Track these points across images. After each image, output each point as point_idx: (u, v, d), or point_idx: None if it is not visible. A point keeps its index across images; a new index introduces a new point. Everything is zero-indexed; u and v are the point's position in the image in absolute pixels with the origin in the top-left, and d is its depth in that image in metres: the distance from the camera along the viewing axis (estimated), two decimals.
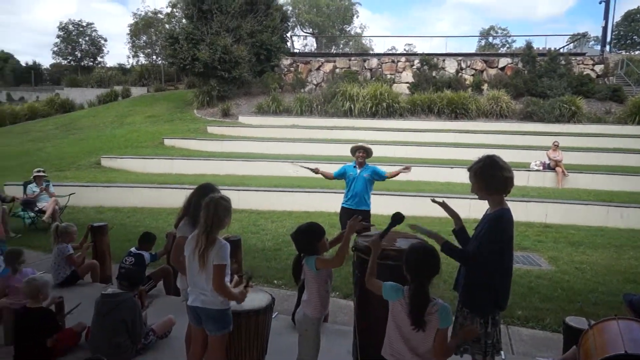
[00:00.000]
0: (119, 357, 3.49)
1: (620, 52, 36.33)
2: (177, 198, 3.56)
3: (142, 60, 38.94)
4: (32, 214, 8.28)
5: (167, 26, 31.54)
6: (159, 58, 35.38)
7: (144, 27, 37.01)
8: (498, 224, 2.66)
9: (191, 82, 25.54)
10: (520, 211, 9.01)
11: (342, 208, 6.39)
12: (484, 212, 2.88)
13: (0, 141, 18.53)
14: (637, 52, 37.69)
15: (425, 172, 12.40)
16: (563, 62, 21.04)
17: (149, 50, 38.41)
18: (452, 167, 12.24)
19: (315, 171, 6.42)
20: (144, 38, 38.11)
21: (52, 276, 5.10)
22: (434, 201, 3.13)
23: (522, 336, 4.59)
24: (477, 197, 2.85)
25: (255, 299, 3.25)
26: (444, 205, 3.03)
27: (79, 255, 5.46)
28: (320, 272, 2.95)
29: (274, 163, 13.26)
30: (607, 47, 25.52)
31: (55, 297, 3.88)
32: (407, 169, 6.31)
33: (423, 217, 8.76)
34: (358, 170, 6.27)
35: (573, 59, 21.81)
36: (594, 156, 13.99)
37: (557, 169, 12.23)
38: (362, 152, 6.23)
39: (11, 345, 3.65)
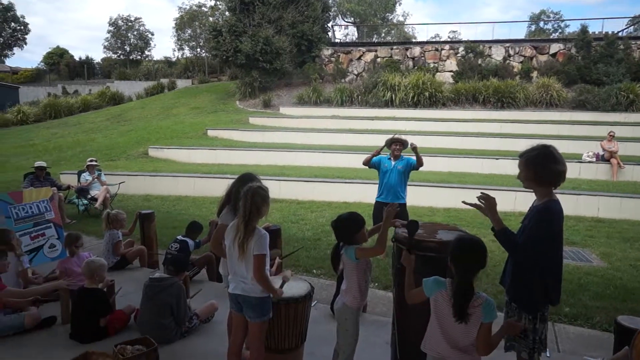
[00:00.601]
0: (164, 338, 3.66)
1: None
2: (219, 187, 3.64)
3: (187, 53, 40.02)
4: (85, 201, 8.76)
5: (210, 19, 32.23)
6: (203, 50, 36.22)
7: (188, 21, 37.95)
8: (546, 215, 2.56)
9: (233, 73, 26.00)
10: (571, 204, 8.61)
11: (377, 202, 6.20)
12: (531, 205, 2.77)
13: (57, 132, 19.68)
14: None
15: (468, 163, 12.11)
16: (622, 46, 19.71)
17: (194, 43, 39.37)
18: (497, 159, 11.85)
19: (376, 153, 6.26)
20: (189, 31, 39.07)
21: None
22: (465, 202, 2.88)
23: (569, 334, 4.41)
24: (523, 187, 2.74)
25: (295, 287, 3.30)
26: (477, 207, 2.67)
27: (128, 240, 5.74)
28: (360, 262, 2.95)
29: (314, 153, 13.32)
30: None
31: (108, 280, 4.10)
32: (414, 147, 6.00)
33: (466, 210, 8.56)
34: (393, 163, 6.15)
35: (633, 42, 20.38)
36: None
37: (612, 160, 11.56)
38: (398, 145, 6.10)
39: (68, 324, 3.90)
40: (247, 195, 2.80)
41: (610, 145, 11.86)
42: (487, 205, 2.62)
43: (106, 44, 41.62)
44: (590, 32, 21.13)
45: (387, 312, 4.51)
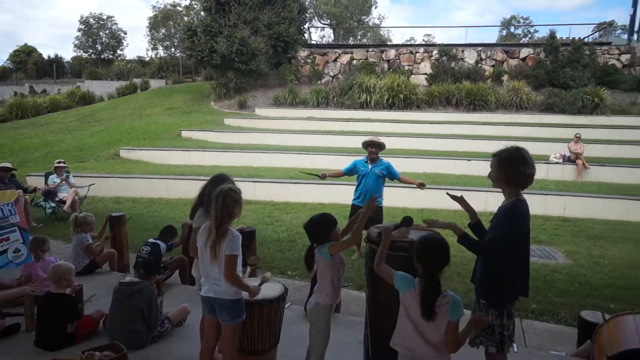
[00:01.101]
0: (135, 343, 3.59)
1: None
2: (194, 189, 3.61)
3: (161, 52, 39.43)
4: (52, 204, 8.51)
5: (185, 19, 31.83)
6: (177, 50, 35.74)
7: (163, 20, 37.40)
8: (512, 215, 2.64)
9: (209, 74, 25.73)
10: (538, 204, 8.89)
11: (353, 206, 6.10)
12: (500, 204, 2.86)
13: (23, 133, 19.03)
14: None
15: (442, 164, 12.32)
16: (587, 52, 20.44)
17: (168, 42, 38.84)
18: (469, 160, 12.10)
19: (322, 177, 6.03)
20: (163, 31, 38.51)
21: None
22: (449, 195, 3.09)
23: (535, 330, 4.56)
24: (493, 187, 2.83)
25: (269, 288, 3.29)
26: (460, 200, 2.98)
27: (97, 244, 5.61)
28: (334, 260, 2.99)
29: (289, 155, 13.32)
30: (635, 36, 24.65)
31: (75, 285, 4.00)
32: (422, 185, 5.97)
33: (439, 210, 8.71)
34: (370, 166, 6.01)
35: (598, 48, 21.17)
36: (616, 149, 13.65)
37: (578, 161, 11.98)
38: (374, 148, 5.97)
39: (32, 332, 3.79)
40: (218, 197, 2.79)
41: (577, 147, 12.29)
42: (443, 224, 2.75)
43: (77, 42, 40.67)
44: (558, 38, 21.82)
45: (360, 312, 4.55)
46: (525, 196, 2.76)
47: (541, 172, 11.73)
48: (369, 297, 3.28)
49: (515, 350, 3.87)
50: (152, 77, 30.57)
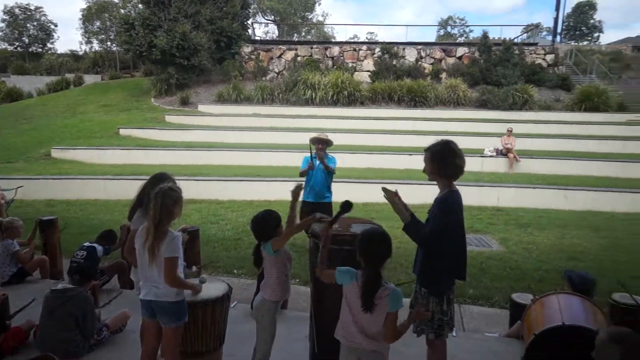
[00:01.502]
0: (70, 353, 3.41)
1: (569, 42, 37.97)
2: (134, 189, 3.47)
3: (96, 46, 37.36)
4: None
5: (122, 11, 30.29)
6: (114, 44, 34.00)
7: (97, 12, 35.45)
8: (447, 206, 2.77)
9: (148, 69, 24.74)
10: (474, 195, 9.38)
11: (303, 202, 6.14)
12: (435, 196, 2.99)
13: None
14: (585, 43, 39.52)
15: (385, 160, 12.65)
16: (517, 51, 21.76)
17: (103, 36, 36.87)
18: (411, 154, 12.51)
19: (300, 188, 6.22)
20: (98, 23, 36.50)
21: None
22: (384, 189, 3.00)
23: (472, 314, 4.82)
24: (429, 180, 2.95)
25: (212, 288, 3.25)
26: (395, 196, 2.91)
27: (26, 251, 5.25)
28: (279, 256, 2.99)
29: (235, 152, 13.14)
30: (558, 38, 26.59)
31: (0, 295, 3.73)
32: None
33: (383, 204, 8.94)
34: (318, 162, 6.12)
35: (526, 48, 22.60)
36: (543, 142, 14.66)
37: (510, 155, 12.75)
38: (321, 145, 6.08)
39: None
40: (157, 197, 2.71)
41: (508, 141, 13.07)
42: (389, 200, 2.79)
43: (0, 34, 37.55)
44: (491, 38, 23.07)
45: (307, 307, 4.57)
46: (462, 188, 2.90)
47: (477, 165, 12.48)
48: (313, 292, 3.32)
49: (454, 334, 4.08)
50: (87, 73, 28.92)
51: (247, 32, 25.56)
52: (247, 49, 23.30)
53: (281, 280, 3.03)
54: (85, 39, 37.90)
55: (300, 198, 6.23)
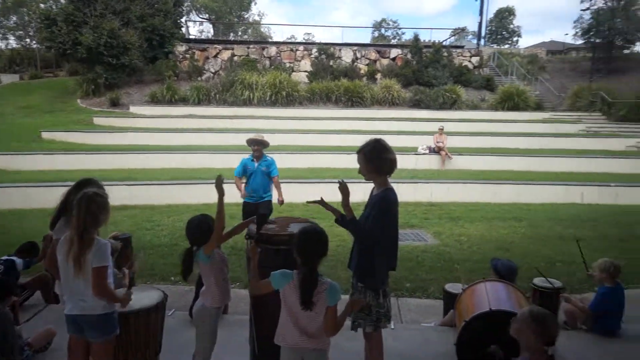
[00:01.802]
0: None
1: (492, 45, 40.52)
2: (57, 197, 3.26)
3: (13, 43, 34.46)
4: None
5: (42, 5, 28.12)
6: (34, 41, 31.56)
7: (14, 6, 32.72)
8: (385, 203, 2.87)
9: (73, 68, 23.21)
10: (409, 192, 9.74)
11: (244, 202, 6.27)
12: (370, 193, 3.08)
13: None
14: (506, 46, 42.38)
15: (325, 159, 12.79)
16: (445, 54, 22.90)
17: (21, 32, 34.10)
18: (349, 154, 12.73)
19: (243, 196, 6.21)
20: (14, 18, 33.70)
21: None
22: (309, 202, 3.02)
23: (409, 306, 5.01)
24: (365, 180, 3.03)
25: (145, 297, 3.13)
26: (321, 203, 2.91)
27: None
28: (214, 261, 2.93)
29: (170, 155, 12.69)
30: (482, 41, 28.31)
31: None
32: (281, 203, 6.37)
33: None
34: (256, 164, 6.18)
35: (454, 51, 23.84)
36: (471, 140, 15.54)
37: (441, 152, 13.39)
38: (257, 146, 6.15)
39: None
40: (81, 203, 2.55)
41: (440, 139, 13.73)
42: (343, 194, 2.82)
43: None
44: (422, 40, 24.09)
45: (248, 310, 4.55)
46: (398, 185, 3.02)
47: (411, 162, 12.98)
48: (252, 295, 3.29)
49: (392, 327, 4.22)
50: (3, 72, 26.58)
51: (181, 30, 24.77)
52: (181, 48, 22.58)
53: (220, 285, 2.98)
54: (0, 35, 34.87)
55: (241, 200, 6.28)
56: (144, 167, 12.01)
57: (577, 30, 28.00)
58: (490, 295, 3.62)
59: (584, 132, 17.25)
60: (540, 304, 4.25)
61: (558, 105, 21.60)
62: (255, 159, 6.21)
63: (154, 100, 19.25)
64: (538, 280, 4.47)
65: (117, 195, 9.42)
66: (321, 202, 2.87)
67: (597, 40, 25.17)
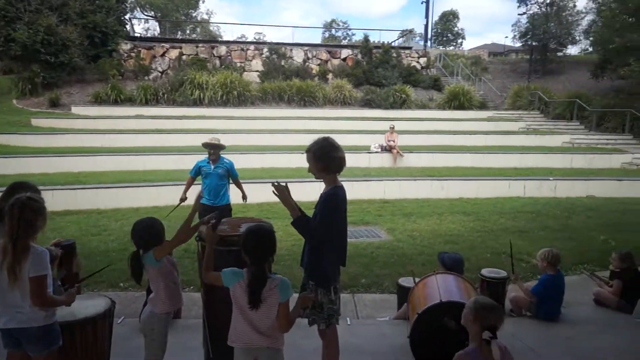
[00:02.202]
0: None
1: (438, 47, 42.02)
2: None
3: None
4: None
5: None
6: None
7: None
8: (333, 201, 2.89)
9: (7, 66, 21.66)
10: (363, 190, 9.89)
11: (201, 204, 6.09)
12: (321, 192, 3.09)
13: None
14: (451, 48, 44.05)
15: (278, 159, 12.74)
16: (394, 54, 23.47)
17: None
18: (302, 153, 12.69)
19: (183, 200, 6.00)
20: None
21: None
22: (274, 185, 3.02)
23: (365, 301, 5.09)
24: (316, 179, 3.04)
25: (91, 305, 2.97)
26: (283, 193, 2.92)
27: None
28: (163, 265, 2.84)
29: (117, 157, 12.17)
30: (429, 43, 29.28)
31: None
32: (245, 199, 6.38)
33: (277, 203, 9.00)
34: (212, 166, 6.04)
35: (402, 52, 24.49)
36: (421, 138, 16.01)
37: (393, 150, 13.70)
38: (212, 149, 6.02)
39: None
40: (13, 209, 2.37)
41: (391, 138, 14.04)
42: (280, 195, 2.84)
43: None
44: (372, 41, 24.55)
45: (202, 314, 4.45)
46: (352, 183, 3.08)
47: (364, 161, 13.19)
48: (204, 297, 3.23)
49: (349, 323, 4.28)
50: None
51: (125, 28, 23.82)
52: (125, 46, 21.71)
53: (170, 289, 2.89)
54: None
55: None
56: (89, 170, 11.44)
57: (515, 33, 29.64)
58: (441, 288, 3.75)
59: (525, 130, 18.25)
60: (488, 294, 4.47)
61: (500, 105, 22.72)
62: (211, 162, 6.07)
63: (98, 101, 18.39)
64: (485, 271, 4.68)
65: (61, 199, 8.95)
66: (286, 190, 2.88)
67: (534, 43, 26.70)
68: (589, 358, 3.65)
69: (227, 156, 6.33)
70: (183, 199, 6.01)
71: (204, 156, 6.17)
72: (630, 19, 18.85)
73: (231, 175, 6.18)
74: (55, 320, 2.54)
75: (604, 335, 4.07)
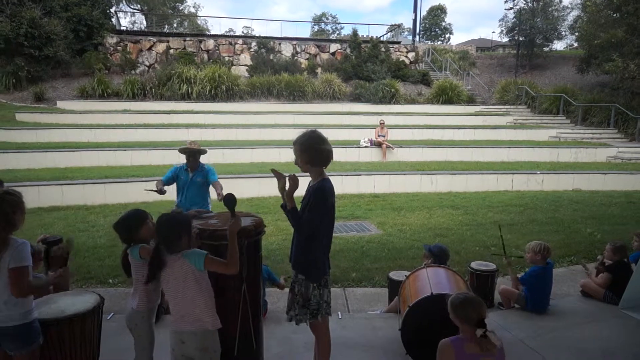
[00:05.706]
0: None
1: (427, 42, 42.07)
2: None
3: None
4: None
5: None
6: None
7: None
8: (321, 194, 2.86)
9: None
10: (353, 184, 9.89)
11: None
12: (307, 185, 3.07)
13: None
14: (439, 43, 44.17)
15: (268, 153, 12.68)
16: (383, 49, 23.47)
17: None
18: (291, 148, 12.67)
19: (161, 192, 5.12)
20: None
21: None
22: (273, 170, 3.00)
23: (356, 295, 5.11)
24: (302, 172, 3.01)
25: (79, 301, 2.93)
26: (280, 176, 2.90)
27: None
28: (147, 261, 2.80)
29: (104, 152, 12.01)
30: (417, 38, 29.28)
31: None
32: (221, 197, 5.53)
33: (267, 198, 8.98)
34: (190, 175, 5.26)
35: (391, 46, 24.51)
36: (410, 132, 16.08)
37: (383, 145, 13.73)
38: (191, 157, 5.24)
39: None
40: None
41: (382, 133, 14.06)
42: (292, 184, 2.81)
43: None
44: (361, 36, 24.52)
45: None
46: (342, 178, 3.06)
47: (354, 155, 13.21)
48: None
49: (340, 317, 4.29)
50: None
51: (111, 21, 23.44)
52: (112, 40, 21.39)
53: (153, 284, 2.85)
54: None
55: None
56: (76, 165, 11.29)
57: (503, 28, 29.79)
58: (431, 280, 3.77)
59: (512, 124, 18.43)
60: (477, 286, 4.53)
61: (488, 99, 22.90)
62: (189, 169, 5.30)
63: (84, 95, 18.13)
64: (475, 264, 4.73)
65: (47, 195, 8.82)
66: (280, 176, 2.86)
67: (521, 38, 26.89)
68: (577, 348, 3.71)
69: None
70: (162, 192, 5.14)
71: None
72: (615, 15, 19.07)
73: (209, 180, 5.36)
74: (34, 318, 2.50)
75: (591, 326, 4.14)
